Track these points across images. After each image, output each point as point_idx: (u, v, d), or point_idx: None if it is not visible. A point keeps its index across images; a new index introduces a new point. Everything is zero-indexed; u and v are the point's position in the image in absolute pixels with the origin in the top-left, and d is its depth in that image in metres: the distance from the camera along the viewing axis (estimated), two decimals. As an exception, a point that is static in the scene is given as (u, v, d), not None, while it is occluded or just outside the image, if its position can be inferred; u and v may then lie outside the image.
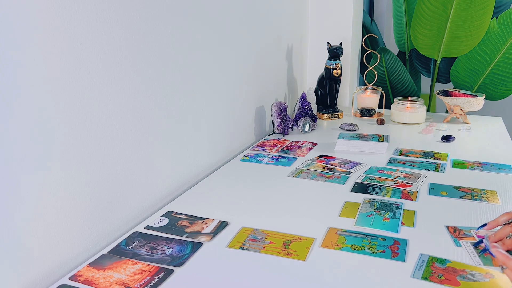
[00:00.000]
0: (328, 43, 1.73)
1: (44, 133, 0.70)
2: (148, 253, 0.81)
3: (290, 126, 1.58)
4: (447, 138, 1.49)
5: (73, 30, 0.74)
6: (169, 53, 1.01)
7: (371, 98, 1.87)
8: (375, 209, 0.97)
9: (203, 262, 0.78)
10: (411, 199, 1.02)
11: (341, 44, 1.73)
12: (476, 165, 1.25)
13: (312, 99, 1.79)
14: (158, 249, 0.82)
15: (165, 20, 0.98)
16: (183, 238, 0.86)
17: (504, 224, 0.79)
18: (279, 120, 1.53)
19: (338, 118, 1.81)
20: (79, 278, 0.73)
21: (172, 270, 0.75)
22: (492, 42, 2.18)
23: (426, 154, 1.34)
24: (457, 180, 1.14)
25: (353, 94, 1.97)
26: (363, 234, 0.86)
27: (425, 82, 2.70)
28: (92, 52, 0.79)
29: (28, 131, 0.68)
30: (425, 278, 0.72)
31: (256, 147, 1.42)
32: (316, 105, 1.84)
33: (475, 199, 1.02)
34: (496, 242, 0.77)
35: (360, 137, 1.50)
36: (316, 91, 1.81)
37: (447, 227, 0.89)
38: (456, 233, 0.87)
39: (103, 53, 0.81)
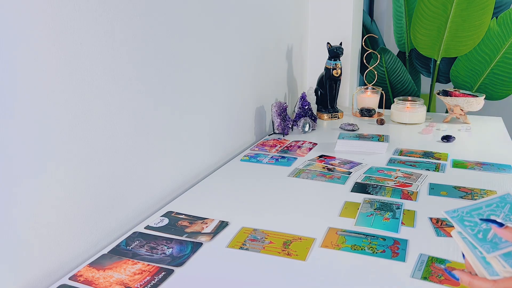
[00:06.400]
0: (328, 43, 1.73)
1: (43, 133, 0.70)
2: (148, 253, 0.81)
3: (290, 126, 1.58)
4: (447, 138, 1.48)
5: (73, 30, 0.74)
6: (169, 54, 1.01)
7: (371, 98, 1.87)
8: (375, 209, 0.97)
9: (203, 262, 0.78)
10: (411, 199, 1.02)
11: (341, 44, 1.73)
12: (476, 165, 1.25)
13: (312, 99, 1.79)
14: (158, 249, 0.82)
15: (165, 20, 0.98)
16: (183, 238, 0.86)
17: None
18: (279, 120, 1.53)
19: (338, 118, 1.81)
20: (79, 278, 0.73)
21: (172, 270, 0.75)
22: (492, 42, 2.18)
23: (426, 154, 1.34)
24: (457, 180, 1.14)
25: (353, 94, 1.97)
26: (363, 234, 0.86)
27: (425, 82, 2.70)
28: (92, 52, 0.79)
29: (28, 130, 0.68)
30: (424, 278, 0.73)
31: (256, 147, 1.42)
32: (316, 105, 1.84)
33: (475, 199, 1.02)
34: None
35: (360, 137, 1.50)
36: (316, 91, 1.81)
37: (430, 218, 0.91)
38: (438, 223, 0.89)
39: (103, 53, 0.81)
